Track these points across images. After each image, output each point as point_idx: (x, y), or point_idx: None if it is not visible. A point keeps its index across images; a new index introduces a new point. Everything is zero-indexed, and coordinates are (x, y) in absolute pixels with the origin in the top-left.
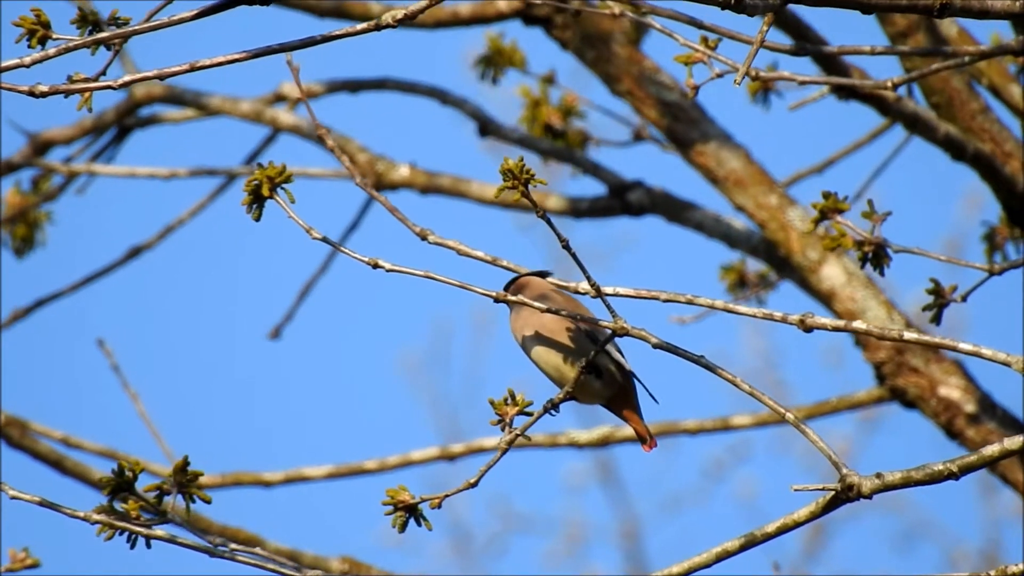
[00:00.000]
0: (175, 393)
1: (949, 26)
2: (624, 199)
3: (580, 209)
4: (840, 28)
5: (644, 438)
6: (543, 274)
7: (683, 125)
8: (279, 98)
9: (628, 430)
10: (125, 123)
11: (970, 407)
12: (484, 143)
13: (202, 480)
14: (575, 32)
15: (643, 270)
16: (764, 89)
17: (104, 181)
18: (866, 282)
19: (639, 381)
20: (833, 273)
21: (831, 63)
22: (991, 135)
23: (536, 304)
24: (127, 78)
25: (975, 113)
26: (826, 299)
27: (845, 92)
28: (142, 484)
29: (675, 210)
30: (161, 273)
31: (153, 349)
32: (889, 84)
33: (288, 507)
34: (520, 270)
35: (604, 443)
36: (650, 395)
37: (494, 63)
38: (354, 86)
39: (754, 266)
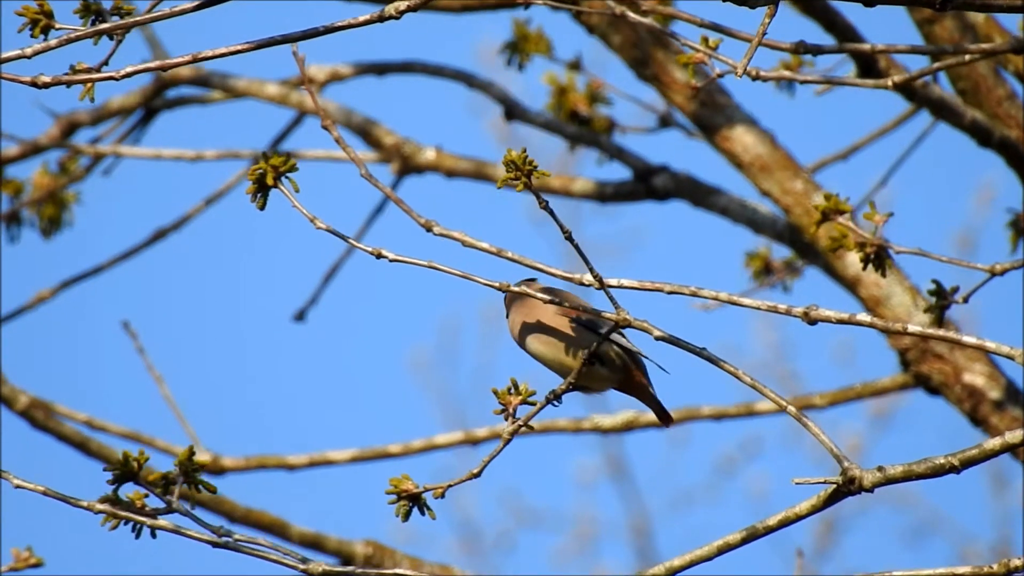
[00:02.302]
0: (200, 375)
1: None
2: (649, 183)
3: (605, 193)
4: (870, 11)
5: (661, 415)
6: (530, 283)
7: (709, 110)
8: (303, 81)
9: (651, 415)
10: (152, 104)
11: (995, 394)
12: (506, 130)
13: (226, 463)
14: (601, 17)
15: (667, 255)
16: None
17: (130, 163)
18: (892, 267)
19: (644, 356)
20: (858, 259)
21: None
22: (1018, 121)
23: (540, 296)
24: (129, 68)
25: (1001, 100)
26: (851, 285)
27: (870, 79)
28: (167, 468)
29: (700, 195)
30: (187, 255)
31: (177, 332)
32: (889, 84)
33: (311, 491)
34: (524, 260)
35: (629, 428)
36: (659, 367)
37: (520, 49)
38: (381, 69)
39: (779, 253)
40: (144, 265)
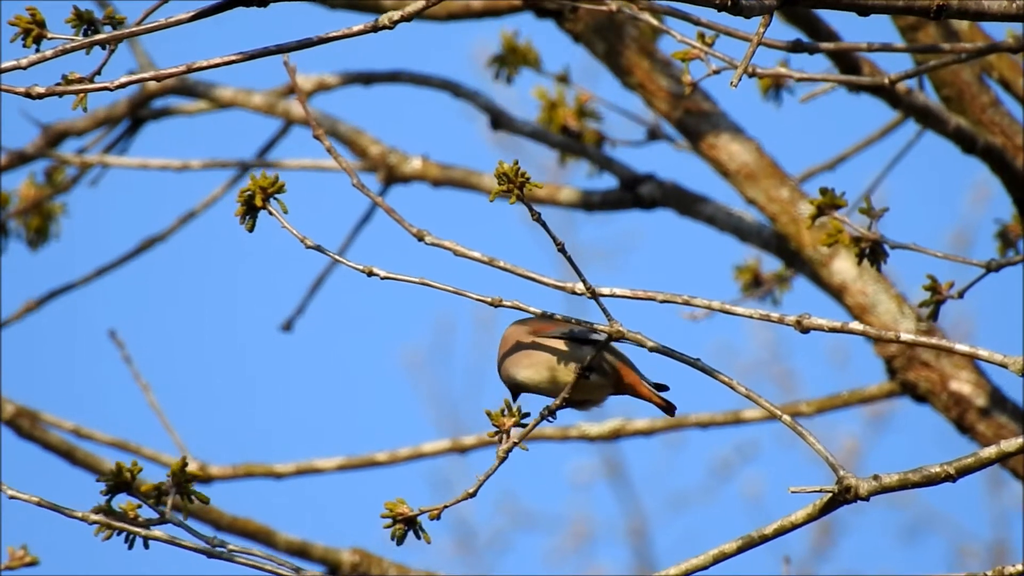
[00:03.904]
0: (187, 384)
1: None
2: (636, 192)
3: (592, 202)
4: (852, 19)
5: (661, 405)
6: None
7: (694, 118)
8: (292, 90)
9: (639, 423)
10: (138, 114)
11: (981, 401)
12: (496, 136)
13: (213, 471)
14: (586, 25)
15: (654, 264)
16: (776, 85)
17: (117, 172)
18: (877, 276)
19: (623, 339)
20: (844, 267)
21: (841, 56)
22: (1002, 128)
23: (532, 309)
24: (123, 79)
25: (985, 106)
26: (837, 293)
27: (854, 86)
28: (154, 476)
29: (686, 203)
30: (173, 265)
31: (165, 341)
32: (886, 81)
33: (299, 499)
34: (516, 270)
35: (615, 436)
36: (638, 343)
37: (508, 62)
38: (367, 78)
39: (769, 265)
40: (131, 275)
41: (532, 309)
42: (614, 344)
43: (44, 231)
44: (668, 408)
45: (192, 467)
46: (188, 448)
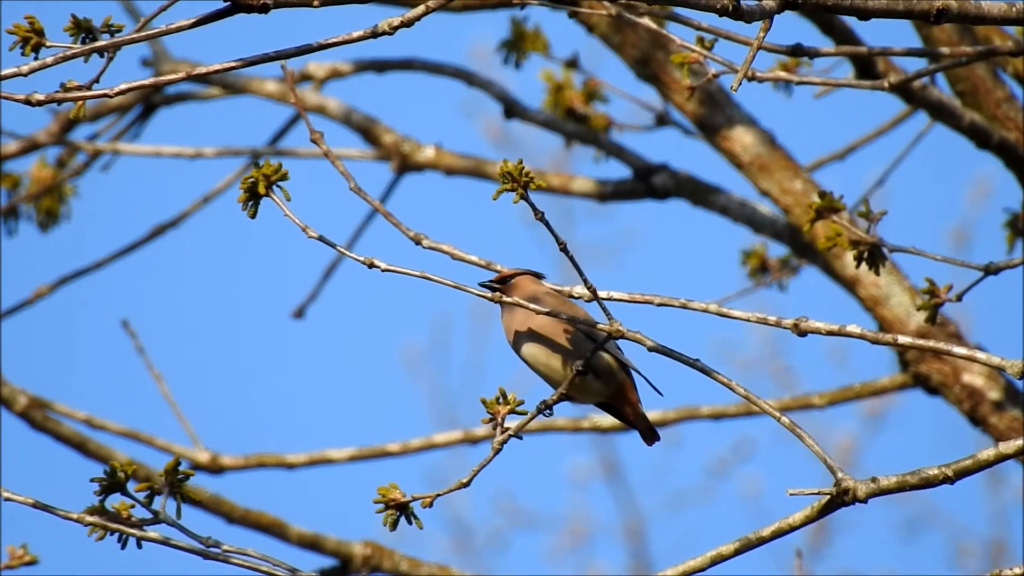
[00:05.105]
0: (198, 373)
1: None
2: (649, 182)
3: (605, 192)
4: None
5: (647, 433)
6: (538, 275)
7: (709, 110)
8: (305, 78)
9: (651, 414)
10: (151, 100)
11: (994, 394)
12: (504, 129)
13: (225, 461)
14: (601, 17)
15: (666, 254)
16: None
17: (129, 158)
18: (891, 268)
19: (639, 373)
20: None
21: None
22: (1016, 123)
23: (532, 306)
24: (123, 86)
25: (1000, 101)
26: (850, 284)
27: (867, 80)
28: (162, 466)
29: (700, 194)
30: (185, 252)
31: (176, 329)
32: (886, 85)
33: (310, 491)
34: (516, 271)
35: (626, 428)
36: (653, 388)
37: (517, 47)
38: (380, 66)
39: (775, 251)
40: (143, 262)
41: (532, 307)
42: (625, 360)
43: (55, 213)
44: (651, 436)
45: (203, 456)
46: (200, 438)
